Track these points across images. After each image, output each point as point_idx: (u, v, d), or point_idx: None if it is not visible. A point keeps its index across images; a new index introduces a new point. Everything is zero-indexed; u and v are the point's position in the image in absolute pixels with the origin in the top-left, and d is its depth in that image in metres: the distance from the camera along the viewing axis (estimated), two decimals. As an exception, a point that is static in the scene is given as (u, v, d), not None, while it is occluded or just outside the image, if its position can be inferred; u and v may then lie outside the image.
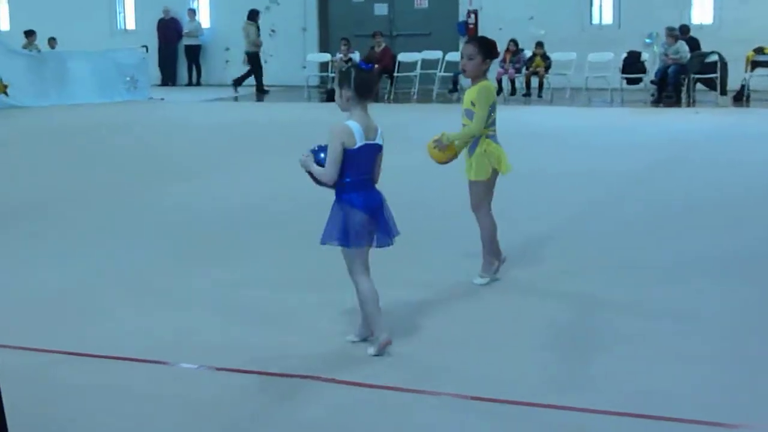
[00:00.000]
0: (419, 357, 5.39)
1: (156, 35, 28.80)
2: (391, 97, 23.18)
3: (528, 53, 23.00)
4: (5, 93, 22.26)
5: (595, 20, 25.53)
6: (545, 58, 22.68)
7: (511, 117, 18.93)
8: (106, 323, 6.06)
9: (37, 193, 10.83)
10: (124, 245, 8.20)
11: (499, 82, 22.63)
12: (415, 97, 23.23)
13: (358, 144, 5.34)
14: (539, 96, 22.58)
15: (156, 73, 28.39)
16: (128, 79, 24.28)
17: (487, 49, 6.68)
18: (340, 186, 5.39)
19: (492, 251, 6.97)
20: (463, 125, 6.80)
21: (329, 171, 5.32)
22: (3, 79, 22.18)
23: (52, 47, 26.17)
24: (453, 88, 23.22)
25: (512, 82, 23.05)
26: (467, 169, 6.89)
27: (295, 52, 27.62)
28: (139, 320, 6.13)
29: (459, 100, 22.30)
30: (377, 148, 5.46)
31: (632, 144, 14.40)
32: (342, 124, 5.36)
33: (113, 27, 30.44)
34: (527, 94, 22.81)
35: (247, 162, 12.89)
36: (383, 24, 26.59)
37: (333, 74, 24.06)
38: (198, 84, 28.72)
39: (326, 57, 25.67)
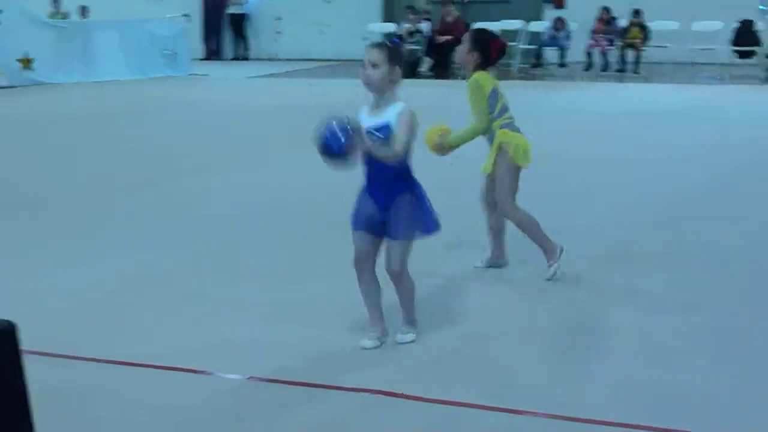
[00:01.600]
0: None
1: (200, 2, 28.86)
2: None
3: (623, 22, 22.70)
4: (30, 68, 22.46)
5: (702, -16, 25.18)
6: (643, 28, 22.37)
7: (601, 95, 18.83)
8: (136, 328, 6.04)
9: (56, 181, 10.84)
10: (151, 242, 8.17)
11: (589, 55, 22.40)
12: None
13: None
14: (635, 72, 22.27)
15: (199, 46, 28.49)
16: (167, 52, 24.37)
17: (477, 40, 6.81)
18: (405, 172, 5.55)
19: (543, 241, 6.97)
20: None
21: (403, 147, 5.43)
22: (29, 52, 22.38)
23: (84, 16, 26.37)
24: (536, 62, 23.00)
25: (604, 55, 22.77)
26: (486, 162, 6.91)
27: (355, 21, 27.57)
28: (173, 324, 6.09)
29: (543, 77, 22.31)
30: None
31: (740, 131, 14.07)
32: (410, 109, 5.51)
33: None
34: (621, 70, 22.51)
35: (292, 151, 12.78)
36: (458, -10, 26.51)
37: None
38: (245, 58, 28.78)
39: (390, 27, 25.56)
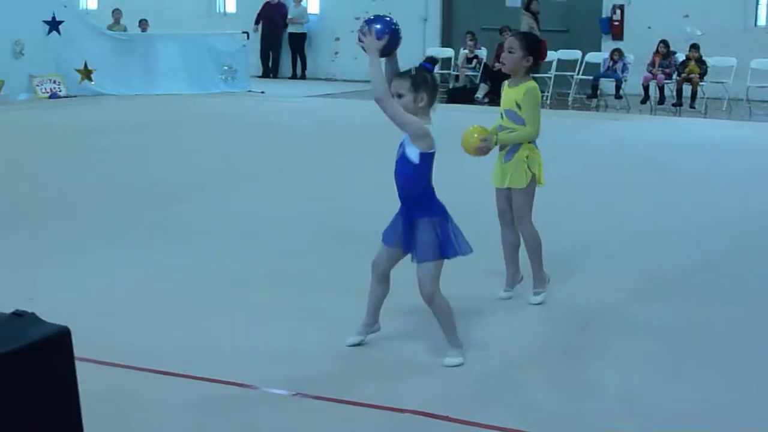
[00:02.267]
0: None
1: (258, 20, 29.06)
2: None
3: (681, 56, 22.61)
4: (90, 78, 22.75)
5: (761, 21, 25.03)
6: (701, 62, 22.27)
7: (657, 127, 18.81)
8: (178, 336, 6.16)
9: (105, 190, 11.03)
10: (197, 249, 8.31)
11: (646, 88, 22.35)
12: (548, 102, 23.05)
13: (434, 149, 5.77)
14: (692, 106, 22.16)
15: (257, 63, 28.70)
16: (225, 68, 24.58)
17: (530, 45, 6.84)
18: (425, 195, 5.75)
19: (540, 266, 7.12)
20: (503, 127, 6.90)
21: (390, 101, 5.64)
22: (88, 63, 22.68)
23: (144, 30, 26.66)
24: (592, 93, 22.97)
25: (661, 89, 22.68)
26: (500, 175, 6.98)
27: (414, 45, 27.63)
28: (220, 335, 6.20)
29: (599, 107, 22.30)
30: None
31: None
32: (426, 127, 5.72)
33: (212, 8, 30.92)
34: (678, 104, 22.41)
35: (341, 173, 12.90)
36: (514, 17, 26.46)
37: (455, 73, 24.15)
38: (303, 77, 28.95)
39: (449, 52, 25.64)
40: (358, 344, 6.10)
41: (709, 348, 6.27)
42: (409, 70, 5.85)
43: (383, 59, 5.83)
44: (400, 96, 5.72)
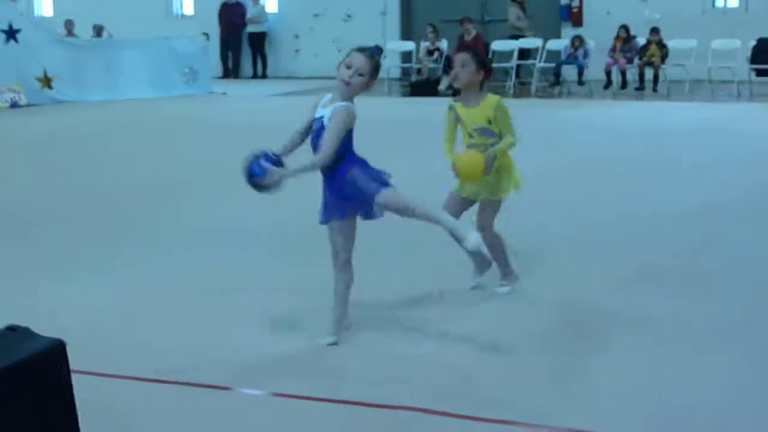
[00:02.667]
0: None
1: (217, 21, 29.00)
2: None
3: (641, 41, 22.76)
4: (49, 86, 22.62)
5: (719, 2, 25.22)
6: (661, 46, 22.42)
7: (621, 113, 18.88)
8: (176, 344, 6.13)
9: (72, 197, 10.96)
10: (174, 257, 8.27)
11: (608, 73, 22.47)
12: (511, 91, 23.11)
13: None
14: (654, 90, 22.32)
15: (217, 64, 28.62)
16: (187, 70, 24.51)
17: (481, 59, 6.92)
18: (339, 162, 5.88)
19: (507, 263, 7.22)
20: (472, 145, 6.90)
21: (333, 148, 5.81)
22: (47, 71, 22.54)
23: (99, 35, 26.51)
24: (555, 80, 23.06)
25: (623, 73, 22.83)
26: (484, 188, 6.94)
27: (374, 39, 27.65)
28: (218, 340, 6.18)
29: (561, 95, 22.38)
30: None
31: (761, 147, 14.14)
32: (351, 108, 5.94)
33: (169, 11, 30.84)
34: (640, 87, 22.57)
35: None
36: (474, 8, 26.53)
37: (417, 66, 24.16)
38: (264, 76, 28.90)
39: (410, 45, 25.67)
40: (334, 344, 6.07)
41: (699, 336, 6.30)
42: (373, 53, 5.97)
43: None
44: (360, 75, 5.88)
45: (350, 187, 5.89)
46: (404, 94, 23.96)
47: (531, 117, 17.77)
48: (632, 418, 4.91)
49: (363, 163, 5.98)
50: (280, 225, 9.49)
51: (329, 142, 5.81)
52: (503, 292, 7.15)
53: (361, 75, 5.87)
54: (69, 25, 26.46)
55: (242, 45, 29.40)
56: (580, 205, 10.30)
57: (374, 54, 5.95)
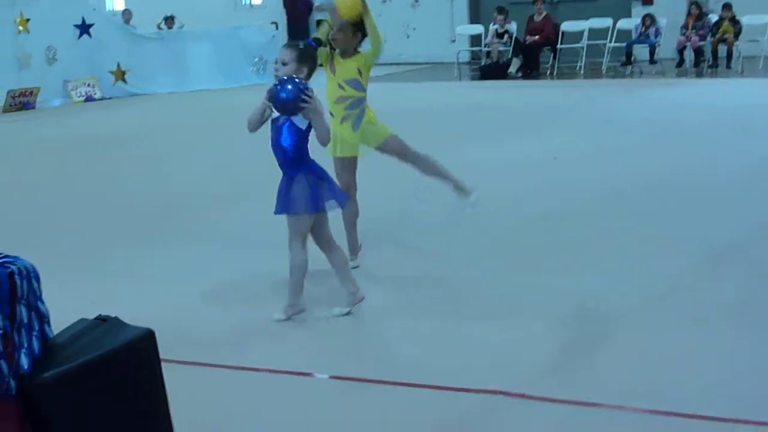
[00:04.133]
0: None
1: (283, 10, 29.14)
2: (555, 72, 23.02)
3: (714, 17, 22.56)
4: (123, 79, 22.91)
5: (793, -24, 24.89)
6: (734, 22, 22.20)
7: (692, 91, 18.74)
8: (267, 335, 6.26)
9: (148, 196, 11.09)
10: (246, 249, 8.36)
11: (681, 52, 22.29)
12: (581, 72, 23.03)
13: None
14: (728, 66, 22.12)
15: (285, 53, 28.76)
16: (256, 60, 24.68)
17: (356, 25, 7.20)
18: (300, 157, 6.26)
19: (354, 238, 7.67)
20: (344, 97, 7.30)
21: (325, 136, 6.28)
22: (121, 64, 22.83)
23: (170, 27, 26.77)
24: (626, 60, 22.92)
25: (696, 51, 22.64)
26: (358, 143, 7.40)
27: (442, 23, 27.69)
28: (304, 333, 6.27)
29: (632, 74, 22.24)
30: None
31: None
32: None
33: (237, 2, 30.99)
34: (714, 65, 22.37)
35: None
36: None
37: (487, 49, 24.12)
38: (331, 63, 28.98)
39: (479, 29, 25.61)
40: (347, 314, 6.48)
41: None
42: (298, 44, 6.49)
43: None
44: (284, 64, 6.30)
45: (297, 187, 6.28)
46: (474, 78, 23.92)
47: (604, 97, 17.76)
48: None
49: (319, 175, 6.34)
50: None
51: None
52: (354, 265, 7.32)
53: (285, 64, 6.31)
54: (127, 15, 26.67)
55: (310, 33, 29.47)
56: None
57: (297, 44, 6.46)
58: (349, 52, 7.31)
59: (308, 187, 6.23)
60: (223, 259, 8.11)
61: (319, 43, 6.82)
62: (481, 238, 8.35)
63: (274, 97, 6.18)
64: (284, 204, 6.28)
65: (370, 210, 8.12)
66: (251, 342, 6.12)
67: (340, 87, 7.29)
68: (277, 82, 6.20)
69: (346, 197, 6.66)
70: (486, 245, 8.14)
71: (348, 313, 6.48)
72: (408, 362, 5.61)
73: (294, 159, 6.27)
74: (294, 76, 6.18)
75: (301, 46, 6.44)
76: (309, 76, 6.33)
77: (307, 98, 6.10)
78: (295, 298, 6.45)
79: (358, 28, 7.20)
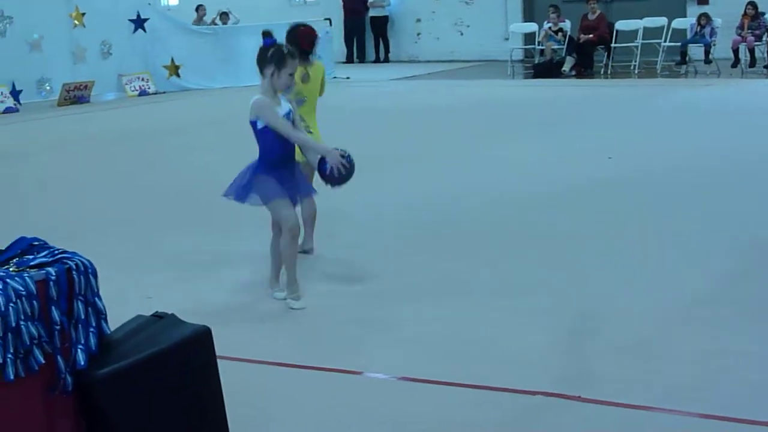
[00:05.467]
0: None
1: (340, 6, 29.15)
2: (609, 71, 22.87)
3: (770, 17, 22.35)
4: (177, 74, 23.03)
5: None
6: (790, 22, 21.98)
7: (747, 90, 18.58)
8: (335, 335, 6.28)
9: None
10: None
11: (736, 52, 22.09)
12: (636, 71, 22.87)
13: None
14: (783, 67, 21.91)
15: (341, 49, 28.80)
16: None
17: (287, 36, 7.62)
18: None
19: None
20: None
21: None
22: (175, 59, 22.94)
23: (224, 23, 26.85)
24: (681, 60, 22.74)
25: (751, 51, 22.42)
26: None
27: (496, 21, 27.60)
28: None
29: (687, 74, 22.08)
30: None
31: None
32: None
33: (292, -2, 31.08)
34: (769, 66, 22.16)
35: (447, 151, 12.94)
36: (597, -13, 26.26)
37: (540, 47, 24.02)
38: (386, 60, 29.00)
39: (532, 27, 25.46)
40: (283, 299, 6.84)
41: None
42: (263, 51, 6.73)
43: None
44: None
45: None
46: (528, 76, 23.82)
47: (658, 97, 17.66)
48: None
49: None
50: (407, 206, 9.56)
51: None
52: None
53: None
54: (202, 11, 26.71)
55: (366, 29, 29.51)
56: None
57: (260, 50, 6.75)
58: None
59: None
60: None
61: (268, 35, 6.81)
62: (528, 229, 8.35)
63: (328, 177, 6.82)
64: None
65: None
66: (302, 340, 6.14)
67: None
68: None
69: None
70: (525, 238, 8.13)
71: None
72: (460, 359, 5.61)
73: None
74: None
75: (264, 49, 6.74)
76: (279, 69, 6.60)
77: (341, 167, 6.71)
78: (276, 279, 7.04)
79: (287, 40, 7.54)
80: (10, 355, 3.46)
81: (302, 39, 7.81)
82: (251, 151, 6.95)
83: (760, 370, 5.34)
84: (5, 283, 3.48)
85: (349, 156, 6.72)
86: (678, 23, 23.22)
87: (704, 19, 22.52)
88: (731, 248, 7.73)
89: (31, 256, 3.72)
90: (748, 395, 5.00)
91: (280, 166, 6.74)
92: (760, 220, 8.61)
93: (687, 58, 22.67)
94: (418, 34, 29.01)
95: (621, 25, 23.63)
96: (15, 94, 20.08)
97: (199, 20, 26.35)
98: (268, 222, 7.18)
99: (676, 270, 7.24)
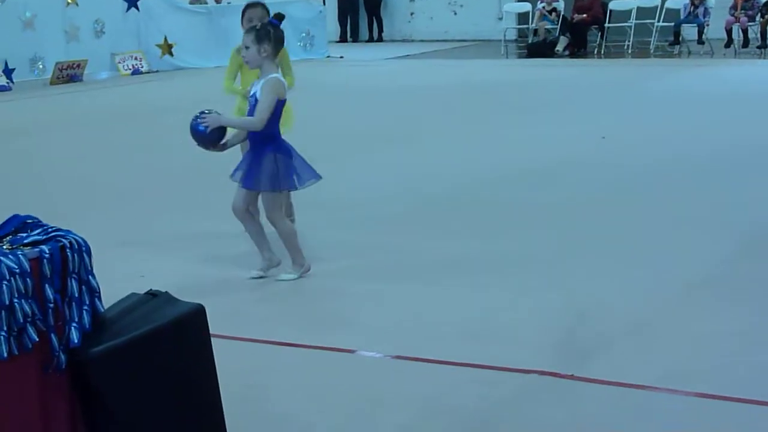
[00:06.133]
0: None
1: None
2: (602, 51, 22.85)
3: (763, -2, 22.32)
4: (170, 53, 22.94)
5: None
6: (784, 3, 21.95)
7: (740, 72, 18.59)
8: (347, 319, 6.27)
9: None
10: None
11: (729, 32, 22.06)
12: (629, 51, 22.85)
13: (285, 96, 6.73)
14: (776, 47, 21.89)
15: (335, 28, 28.72)
16: (303, 35, 24.62)
17: (261, 34, 6.81)
18: (268, 135, 6.63)
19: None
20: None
21: (263, 117, 6.52)
22: (168, 38, 22.86)
23: (217, 2, 26.73)
24: (674, 40, 22.71)
25: (744, 31, 22.40)
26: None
27: (490, 1, 27.53)
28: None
29: (681, 54, 22.05)
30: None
31: None
32: (277, 78, 6.67)
33: (286, -23, 30.99)
34: (763, 46, 22.12)
35: (440, 131, 12.92)
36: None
37: (534, 27, 23.97)
38: (380, 40, 28.94)
39: (526, 6, 25.39)
40: (259, 278, 6.87)
41: None
42: (255, 26, 6.73)
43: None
44: (246, 48, 6.63)
45: (261, 164, 6.65)
46: (521, 56, 23.79)
47: (652, 78, 17.64)
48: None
49: (288, 153, 6.73)
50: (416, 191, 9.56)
51: (262, 107, 6.53)
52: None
53: (247, 48, 6.63)
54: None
55: (359, 8, 29.42)
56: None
57: (254, 26, 6.73)
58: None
59: (276, 167, 6.62)
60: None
61: (280, 18, 6.76)
62: (521, 208, 8.35)
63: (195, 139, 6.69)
64: (255, 180, 6.67)
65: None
66: (302, 319, 6.14)
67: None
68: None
69: (315, 173, 6.93)
70: (535, 214, 8.13)
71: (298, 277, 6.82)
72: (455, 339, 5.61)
73: (262, 136, 6.64)
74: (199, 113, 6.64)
75: (258, 27, 6.69)
76: (275, 53, 6.66)
77: (203, 119, 6.55)
78: (300, 257, 6.85)
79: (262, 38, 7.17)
80: (3, 333, 3.45)
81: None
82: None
83: (760, 351, 5.34)
84: (-2, 261, 3.47)
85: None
86: (672, 3, 23.19)
87: (698, 0, 22.49)
88: (729, 231, 7.72)
89: (24, 234, 3.70)
90: (747, 376, 5.01)
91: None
92: (758, 203, 8.61)
93: (680, 38, 22.64)
94: (412, 14, 28.95)
95: (615, 5, 23.58)
96: (8, 72, 19.98)
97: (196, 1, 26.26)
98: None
99: (674, 251, 7.24)
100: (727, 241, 7.43)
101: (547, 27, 23.64)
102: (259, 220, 6.92)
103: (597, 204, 8.80)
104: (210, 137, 6.59)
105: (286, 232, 6.87)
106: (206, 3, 25.67)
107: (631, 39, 23.12)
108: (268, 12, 7.80)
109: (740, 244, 7.39)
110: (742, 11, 22.19)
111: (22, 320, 3.48)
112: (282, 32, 6.76)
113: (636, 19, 23.22)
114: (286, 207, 7.56)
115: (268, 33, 6.61)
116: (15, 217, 3.84)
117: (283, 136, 6.87)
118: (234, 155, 7.22)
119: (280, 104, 6.64)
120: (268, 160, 6.63)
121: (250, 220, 6.87)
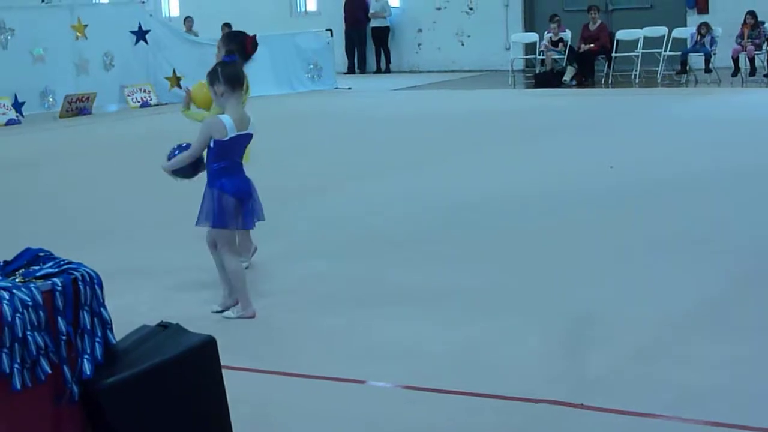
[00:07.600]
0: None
1: (341, 17, 29.15)
2: (610, 80, 22.89)
3: (770, 26, 22.36)
4: (179, 85, 23.00)
5: None
6: (790, 31, 21.99)
7: (748, 101, 18.61)
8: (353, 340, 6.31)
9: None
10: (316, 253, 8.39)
11: (736, 61, 22.10)
12: (636, 80, 22.89)
13: (229, 135, 6.62)
14: (783, 76, 21.92)
15: (342, 60, 28.80)
16: (311, 66, 24.71)
17: (212, 77, 6.88)
18: (212, 172, 6.69)
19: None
20: None
21: (194, 150, 6.75)
22: (177, 70, 22.94)
23: (188, 29, 26.72)
24: (682, 69, 22.75)
25: (751, 60, 22.42)
26: None
27: (496, 31, 27.61)
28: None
29: (688, 83, 22.10)
30: (248, 138, 6.86)
31: None
32: (215, 119, 6.71)
33: (293, 8, 31.08)
34: (769, 75, 22.17)
35: (447, 159, 12.96)
36: (598, -4, 26.28)
37: (541, 57, 24.03)
38: (387, 71, 29.01)
39: (533, 37, 25.48)
40: (219, 312, 6.85)
41: None
42: (211, 69, 6.86)
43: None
44: (215, 93, 6.81)
45: (207, 203, 6.72)
46: (529, 86, 23.83)
47: (659, 107, 17.66)
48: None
49: (239, 191, 6.73)
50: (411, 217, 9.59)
51: (193, 144, 6.79)
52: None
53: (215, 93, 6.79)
54: (189, 22, 26.77)
55: (367, 40, 29.50)
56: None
57: (210, 71, 6.86)
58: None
59: (215, 204, 6.64)
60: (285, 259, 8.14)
61: (242, 50, 7.59)
62: (526, 236, 8.36)
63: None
64: (199, 214, 6.76)
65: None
66: (310, 347, 6.16)
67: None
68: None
69: (252, 223, 6.96)
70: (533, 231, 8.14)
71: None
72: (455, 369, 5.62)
73: (209, 172, 6.74)
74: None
75: (210, 69, 6.91)
76: (232, 89, 6.71)
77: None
78: (244, 300, 6.79)
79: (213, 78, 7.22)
80: (17, 365, 3.48)
81: (248, 43, 7.97)
82: (253, 162, 7.01)
83: None
84: (12, 294, 3.51)
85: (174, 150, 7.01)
86: (678, 32, 23.25)
87: (704, 29, 22.53)
88: (735, 256, 7.75)
89: (37, 267, 3.74)
90: (757, 403, 5.01)
91: None
92: (764, 227, 8.64)
93: (687, 67, 22.67)
94: (419, 45, 29.03)
95: (621, 34, 23.65)
96: (17, 105, 20.07)
97: (188, 30, 26.34)
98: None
99: (681, 276, 7.26)
100: (735, 267, 7.46)
101: (554, 57, 23.71)
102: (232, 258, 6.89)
103: (605, 231, 8.82)
104: (184, 171, 6.96)
105: (232, 271, 6.81)
106: (197, 35, 25.79)
107: (639, 68, 23.16)
108: (230, 38, 8.12)
109: (748, 267, 7.41)
110: (749, 40, 22.22)
111: (35, 352, 3.52)
112: (234, 67, 6.94)
113: (643, 49, 23.27)
114: (242, 245, 7.58)
115: (216, 73, 6.75)
116: (27, 250, 3.88)
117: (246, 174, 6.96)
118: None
119: (218, 144, 6.64)
120: (209, 196, 6.70)
121: (214, 254, 6.94)
